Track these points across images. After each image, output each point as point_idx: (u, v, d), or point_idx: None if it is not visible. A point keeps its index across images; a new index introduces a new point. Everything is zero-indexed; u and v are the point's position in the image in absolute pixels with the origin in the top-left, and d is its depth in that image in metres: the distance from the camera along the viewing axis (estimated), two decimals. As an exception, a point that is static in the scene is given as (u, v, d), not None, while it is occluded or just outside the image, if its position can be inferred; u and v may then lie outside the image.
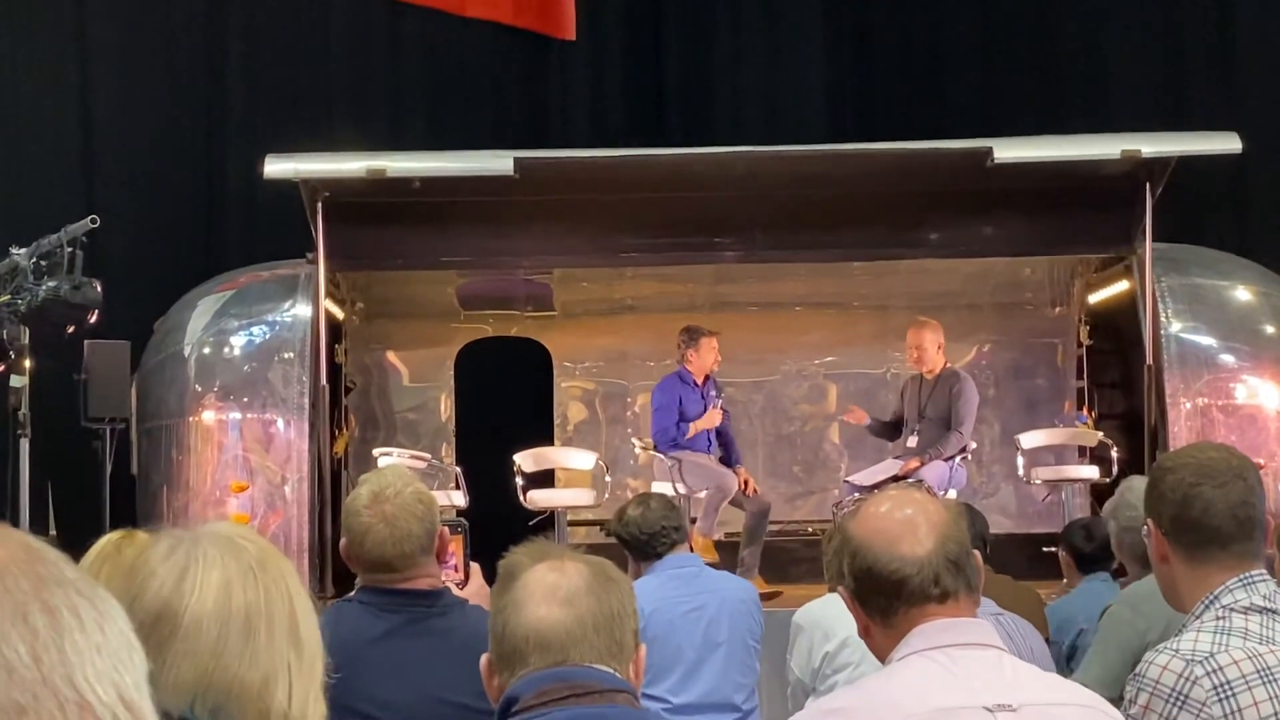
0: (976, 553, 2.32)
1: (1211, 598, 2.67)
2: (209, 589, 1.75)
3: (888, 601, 2.24)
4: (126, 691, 0.87)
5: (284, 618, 1.76)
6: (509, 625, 2.14)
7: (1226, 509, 2.71)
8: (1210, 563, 2.70)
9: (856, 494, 8.39)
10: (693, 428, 9.30)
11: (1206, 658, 2.56)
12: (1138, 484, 4.48)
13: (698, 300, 11.21)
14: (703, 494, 9.16)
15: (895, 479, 8.64)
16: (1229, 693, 2.53)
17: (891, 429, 9.57)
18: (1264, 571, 2.73)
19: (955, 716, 2.14)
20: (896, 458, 9.34)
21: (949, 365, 9.49)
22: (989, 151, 8.74)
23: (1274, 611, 2.65)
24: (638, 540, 5.22)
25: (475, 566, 3.70)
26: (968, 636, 2.22)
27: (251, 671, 1.72)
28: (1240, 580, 2.67)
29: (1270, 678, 2.56)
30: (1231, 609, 2.64)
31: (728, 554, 9.02)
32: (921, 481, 8.23)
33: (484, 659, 2.19)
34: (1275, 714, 2.54)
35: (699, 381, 9.43)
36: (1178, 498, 2.74)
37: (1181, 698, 2.54)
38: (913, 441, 9.28)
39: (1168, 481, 2.78)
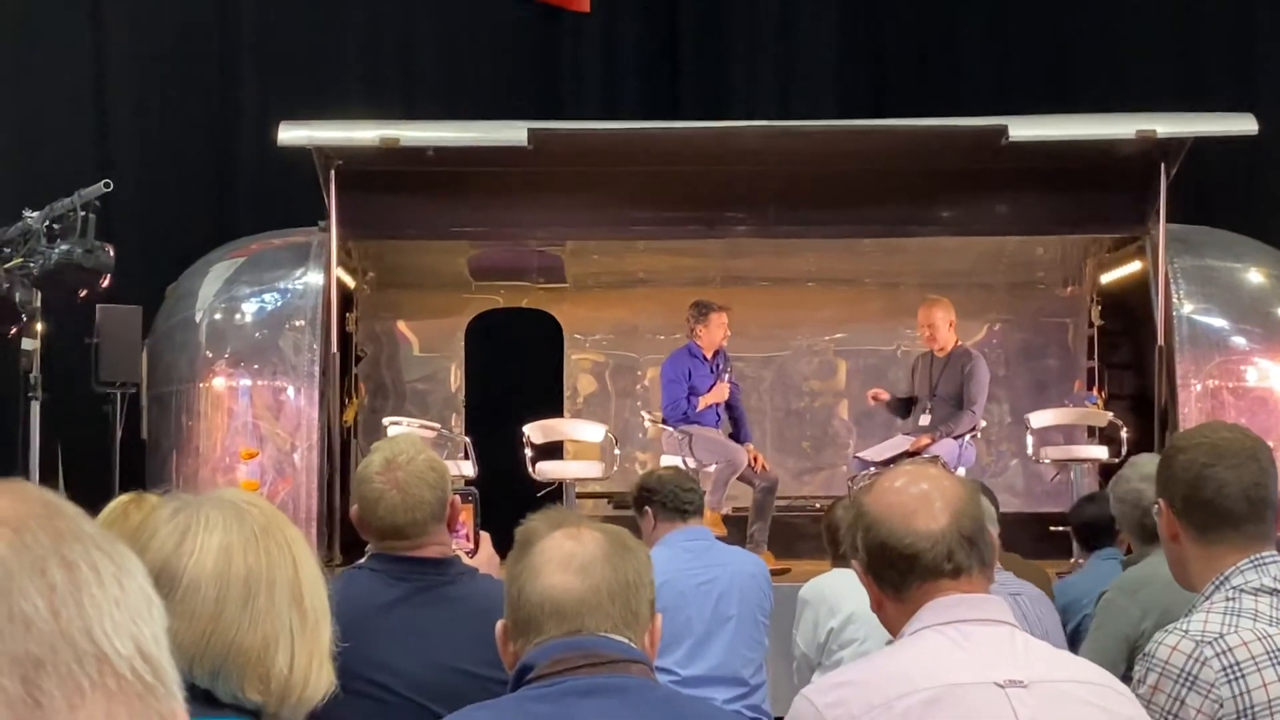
0: (991, 529, 2.31)
1: (1222, 579, 2.67)
2: (208, 552, 1.76)
3: (901, 576, 2.24)
4: (145, 645, 0.88)
5: (286, 583, 1.77)
6: (524, 592, 2.14)
7: (1239, 490, 2.70)
8: (1221, 543, 2.70)
9: (872, 468, 8.40)
10: (702, 401, 9.31)
11: (1216, 639, 2.56)
12: (1142, 461, 4.50)
13: (709, 274, 11.20)
14: (712, 468, 9.18)
15: (905, 455, 8.65)
16: (1238, 674, 2.53)
17: (905, 406, 9.58)
18: (1275, 553, 2.73)
19: (966, 692, 2.14)
20: (906, 434, 9.34)
21: (960, 344, 9.49)
22: (1004, 129, 8.71)
23: (1285, 593, 2.64)
24: (672, 494, 5.22)
25: (485, 536, 3.71)
26: (980, 612, 2.22)
27: (250, 635, 1.73)
28: (1251, 561, 2.67)
29: (1279, 659, 2.55)
30: (1242, 590, 2.64)
31: (735, 529, 9.03)
32: (938, 458, 8.22)
33: (499, 625, 2.20)
34: (1284, 695, 2.54)
35: (708, 356, 9.44)
36: (1190, 477, 2.73)
37: (1191, 678, 2.54)
38: (925, 420, 9.29)
39: (1180, 461, 2.77)
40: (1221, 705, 2.52)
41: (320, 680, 1.78)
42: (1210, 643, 2.56)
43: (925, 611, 2.22)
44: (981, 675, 2.15)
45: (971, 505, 2.27)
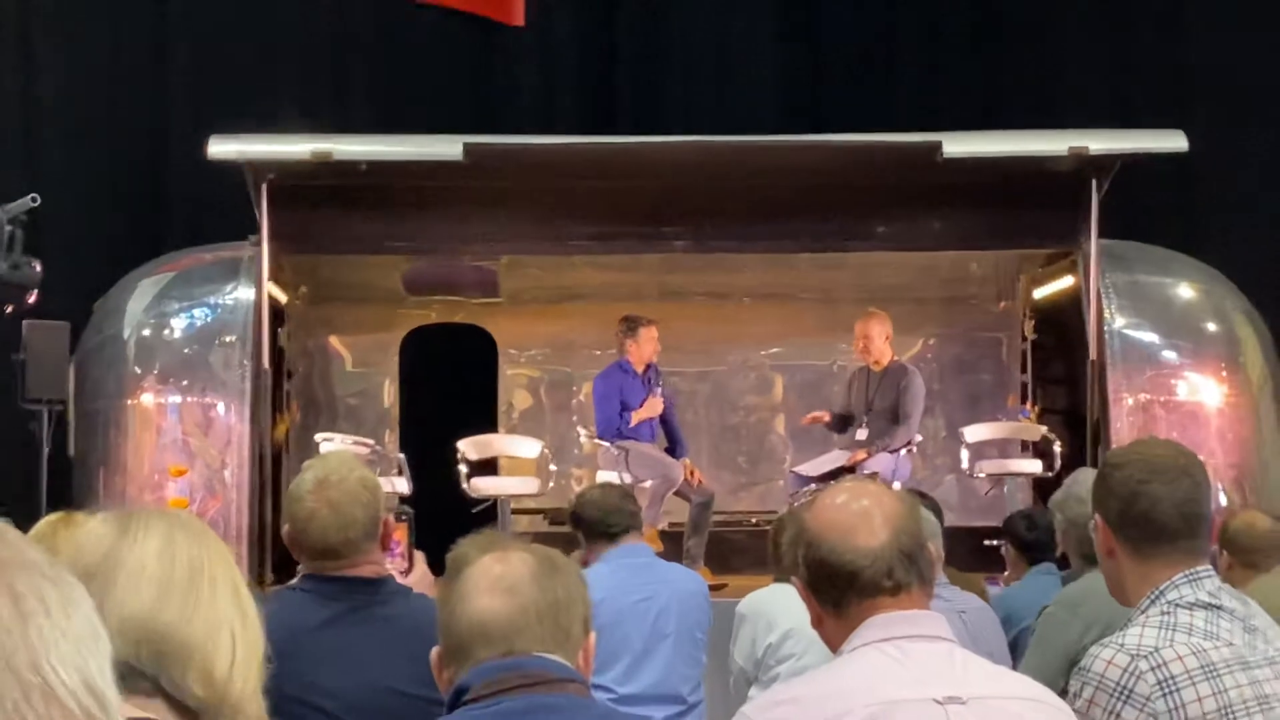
0: (931, 546, 2.31)
1: (1157, 593, 2.68)
2: (151, 541, 1.75)
3: (840, 593, 2.24)
4: (91, 677, 0.86)
5: (227, 579, 1.76)
6: (454, 617, 2.14)
7: (1174, 506, 2.72)
8: (1156, 558, 2.71)
9: (813, 485, 8.41)
10: (635, 417, 9.30)
11: (1151, 652, 2.58)
12: (1085, 477, 4.51)
13: (645, 289, 11.19)
14: (649, 484, 9.16)
15: (841, 470, 8.67)
16: (1173, 688, 2.54)
17: (842, 421, 9.61)
18: (1209, 568, 2.75)
19: (905, 708, 2.13)
20: (843, 449, 9.37)
21: (896, 359, 9.53)
22: (938, 146, 8.77)
23: (1219, 607, 2.66)
24: (593, 519, 5.20)
25: (419, 555, 3.68)
26: (919, 629, 2.22)
27: (195, 622, 1.71)
28: (1186, 576, 2.69)
29: (1214, 673, 2.57)
30: (1177, 605, 2.66)
31: (671, 544, 9.01)
32: (876, 474, 8.24)
33: (434, 652, 2.18)
34: (1218, 709, 2.55)
35: (639, 370, 9.43)
36: (1125, 493, 2.75)
37: (1126, 692, 2.55)
38: (861, 434, 9.32)
39: (1116, 477, 2.79)
40: (1156, 719, 2.53)
41: (255, 699, 1.75)
42: (1145, 656, 2.57)
43: (865, 628, 2.21)
44: (920, 692, 2.15)
45: (911, 522, 2.27)
